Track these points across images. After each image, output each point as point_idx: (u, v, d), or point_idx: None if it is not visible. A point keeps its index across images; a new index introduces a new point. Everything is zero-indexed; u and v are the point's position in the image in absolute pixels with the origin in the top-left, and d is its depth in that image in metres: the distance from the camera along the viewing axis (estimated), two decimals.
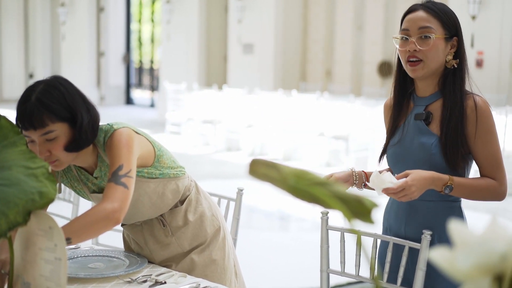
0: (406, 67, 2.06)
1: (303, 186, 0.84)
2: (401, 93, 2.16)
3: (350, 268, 2.20)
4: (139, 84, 19.38)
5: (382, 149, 2.20)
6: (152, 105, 18.00)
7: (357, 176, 2.17)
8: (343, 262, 2.20)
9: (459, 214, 2.06)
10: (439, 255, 0.66)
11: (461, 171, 2.03)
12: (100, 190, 2.14)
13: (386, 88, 12.04)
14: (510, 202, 7.01)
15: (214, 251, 2.27)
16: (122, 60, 18.12)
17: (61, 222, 1.75)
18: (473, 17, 9.89)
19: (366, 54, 12.43)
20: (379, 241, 2.10)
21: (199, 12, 14.04)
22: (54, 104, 1.91)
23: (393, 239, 2.07)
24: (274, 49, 12.73)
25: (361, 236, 0.78)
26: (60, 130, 1.93)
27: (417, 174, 1.91)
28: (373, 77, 12.34)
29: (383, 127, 2.28)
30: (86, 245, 2.33)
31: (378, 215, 0.79)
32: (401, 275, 2.03)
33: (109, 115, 14.10)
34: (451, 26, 2.05)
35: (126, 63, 18.22)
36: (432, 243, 1.99)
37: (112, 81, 17.97)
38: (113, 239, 3.01)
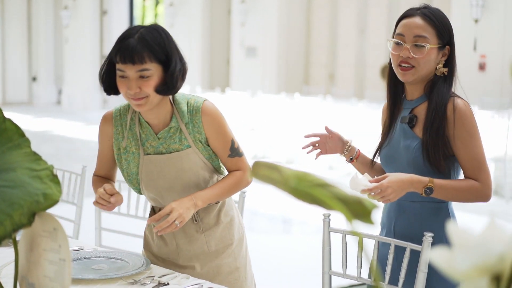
0: (397, 71, 2.08)
1: (304, 188, 0.85)
2: (394, 96, 2.19)
3: (351, 270, 2.21)
4: None
5: (375, 148, 2.26)
6: None
7: (349, 149, 2.28)
8: (344, 264, 2.21)
9: (447, 215, 2.09)
10: (437, 255, 0.67)
11: (446, 174, 2.05)
12: (156, 152, 2.16)
13: None
14: (511, 205, 7.01)
15: (238, 259, 2.30)
16: None
17: (64, 224, 1.76)
18: (476, 21, 9.90)
19: (369, 57, 12.44)
20: (381, 243, 2.11)
21: (202, 16, 14.07)
22: (155, 45, 2.00)
23: (395, 241, 2.08)
24: (277, 52, 12.75)
25: (363, 238, 0.80)
26: (154, 70, 2.00)
27: (395, 177, 1.95)
28: (376, 81, 12.35)
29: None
30: (89, 247, 2.34)
31: (378, 215, 0.81)
32: (403, 276, 2.03)
33: None
34: (445, 35, 2.07)
35: None
36: (419, 243, 2.01)
37: None
38: (116, 241, 3.02)
